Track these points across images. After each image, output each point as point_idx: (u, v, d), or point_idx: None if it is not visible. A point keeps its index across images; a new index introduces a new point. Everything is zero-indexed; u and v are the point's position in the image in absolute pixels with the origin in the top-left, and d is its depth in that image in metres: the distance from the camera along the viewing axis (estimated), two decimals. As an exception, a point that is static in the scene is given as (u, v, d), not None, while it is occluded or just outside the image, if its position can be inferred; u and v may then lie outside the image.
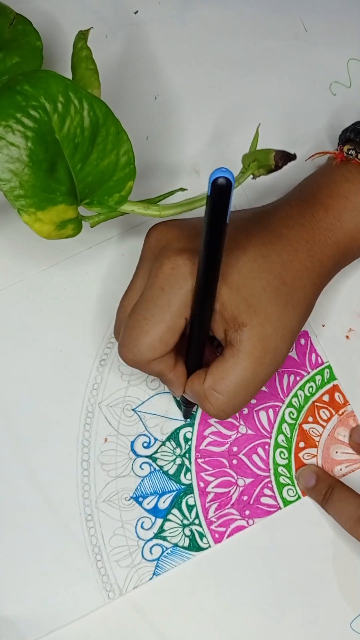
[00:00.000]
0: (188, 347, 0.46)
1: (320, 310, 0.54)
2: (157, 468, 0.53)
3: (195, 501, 0.52)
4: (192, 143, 0.57)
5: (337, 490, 0.51)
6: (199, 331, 0.45)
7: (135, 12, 0.60)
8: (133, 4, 0.60)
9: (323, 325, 0.55)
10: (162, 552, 0.52)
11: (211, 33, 0.59)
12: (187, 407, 0.52)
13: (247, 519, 0.51)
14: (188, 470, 0.53)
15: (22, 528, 0.52)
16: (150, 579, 0.51)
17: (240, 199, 0.56)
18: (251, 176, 0.47)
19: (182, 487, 0.53)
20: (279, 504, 0.52)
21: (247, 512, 0.52)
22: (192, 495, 0.52)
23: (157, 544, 0.52)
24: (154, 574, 0.51)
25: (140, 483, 0.53)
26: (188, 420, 0.53)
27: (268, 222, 0.48)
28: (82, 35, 0.47)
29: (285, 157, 0.45)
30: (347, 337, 0.55)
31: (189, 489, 0.52)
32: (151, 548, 0.52)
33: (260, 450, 0.53)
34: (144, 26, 0.59)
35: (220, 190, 0.34)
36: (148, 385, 0.54)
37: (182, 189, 0.51)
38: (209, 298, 0.43)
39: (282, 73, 0.59)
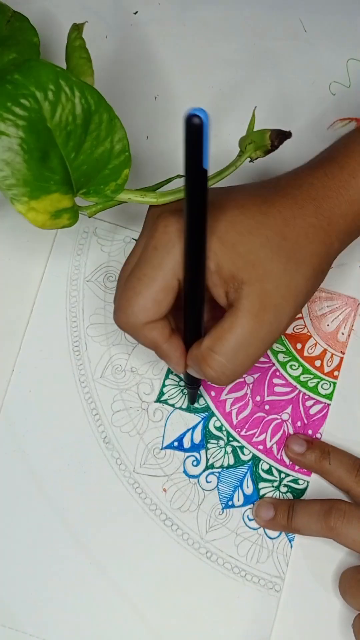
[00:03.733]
0: (184, 315, 0.44)
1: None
2: (219, 470, 0.55)
3: (268, 464, 0.55)
4: None
5: (297, 505, 0.52)
6: (192, 293, 0.43)
7: (135, 13, 0.60)
8: (133, 4, 0.60)
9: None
10: (218, 479, 0.55)
11: (211, 33, 0.60)
12: (190, 388, 0.52)
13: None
14: (242, 447, 0.55)
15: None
16: (222, 511, 0.54)
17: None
18: (249, 159, 0.47)
19: (249, 463, 0.55)
20: (292, 383, 0.56)
21: (267, 407, 0.56)
22: (261, 461, 0.55)
23: (210, 473, 0.55)
24: (220, 502, 0.55)
25: (218, 489, 0.55)
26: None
27: (274, 184, 0.46)
28: (76, 27, 0.47)
29: (281, 136, 0.46)
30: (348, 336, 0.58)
31: (255, 460, 0.55)
32: (206, 478, 0.55)
33: (276, 380, 0.56)
34: (143, 26, 0.59)
35: (193, 129, 0.33)
36: (153, 421, 0.55)
37: (179, 176, 0.50)
38: (199, 255, 0.40)
39: (281, 73, 0.59)
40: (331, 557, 0.54)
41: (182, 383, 0.55)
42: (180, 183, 0.47)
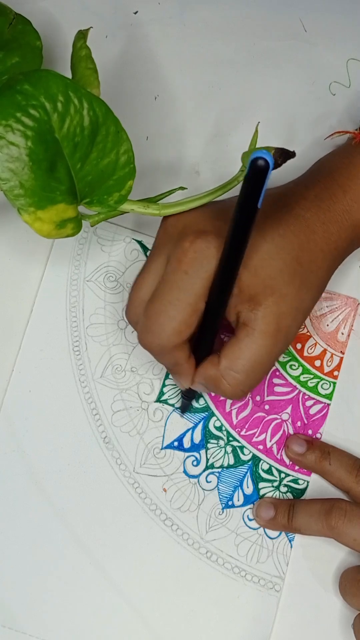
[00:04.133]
0: (200, 334, 0.47)
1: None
2: (219, 470, 0.55)
3: (268, 464, 0.55)
4: (192, 143, 0.58)
5: (297, 504, 0.53)
6: (215, 315, 0.45)
7: (135, 13, 0.59)
8: (133, 4, 0.59)
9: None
10: (218, 478, 0.55)
11: (211, 33, 0.59)
12: (186, 400, 0.54)
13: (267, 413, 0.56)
14: (242, 447, 0.55)
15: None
16: (222, 511, 0.54)
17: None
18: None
19: (249, 463, 0.55)
20: (292, 383, 0.56)
21: (267, 407, 0.56)
22: (261, 461, 0.55)
23: (210, 473, 0.55)
24: (220, 502, 0.54)
25: (219, 492, 0.55)
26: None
27: (285, 204, 0.48)
28: (82, 35, 0.47)
29: (284, 155, 0.46)
30: (348, 336, 0.58)
31: (255, 460, 0.55)
32: (206, 478, 0.54)
33: (276, 380, 0.56)
34: (143, 26, 0.59)
35: (258, 171, 0.35)
36: (153, 420, 0.55)
37: (182, 188, 0.51)
38: (230, 282, 0.43)
39: (281, 73, 0.59)
40: (331, 557, 0.54)
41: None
42: (181, 195, 0.49)
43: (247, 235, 0.39)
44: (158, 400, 0.55)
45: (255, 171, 0.35)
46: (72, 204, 0.45)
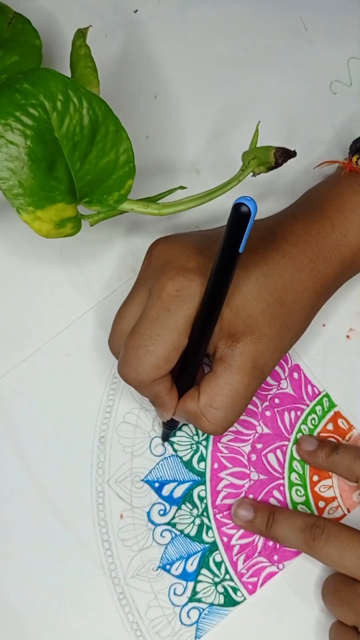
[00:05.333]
0: (182, 368, 0.46)
1: (321, 310, 0.54)
2: (178, 533, 0.52)
3: (222, 557, 0.52)
4: (192, 142, 0.57)
5: (278, 514, 0.51)
6: (196, 351, 0.45)
7: (135, 11, 0.59)
8: (133, 3, 0.59)
9: (323, 325, 0.55)
10: (200, 614, 0.51)
11: (211, 32, 0.59)
12: (168, 429, 0.52)
13: (276, 564, 0.52)
14: (209, 528, 0.52)
15: (57, 616, 0.51)
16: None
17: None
18: (251, 174, 0.47)
19: (206, 545, 0.52)
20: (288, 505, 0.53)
21: (276, 557, 0.52)
22: (217, 551, 0.52)
23: (193, 607, 0.51)
24: (196, 637, 0.51)
25: (165, 551, 0.52)
26: (199, 477, 0.53)
27: (271, 239, 0.47)
28: (81, 34, 0.47)
29: (285, 154, 0.45)
30: (348, 336, 0.55)
31: (213, 547, 0.52)
32: (188, 612, 0.51)
33: (276, 493, 0.53)
34: (143, 25, 0.59)
35: (239, 216, 0.35)
36: (152, 452, 0.53)
37: (181, 187, 0.50)
38: (212, 321, 0.43)
39: (282, 72, 0.59)
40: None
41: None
42: (181, 195, 0.49)
43: (230, 277, 0.39)
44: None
45: (237, 216, 0.35)
46: (71, 204, 0.45)
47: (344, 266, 0.49)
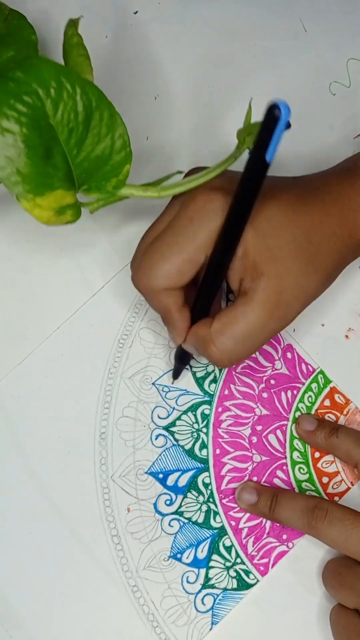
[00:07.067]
0: (199, 292, 0.46)
1: (320, 309, 0.55)
2: (186, 521, 0.52)
3: (231, 541, 0.52)
4: (192, 143, 0.58)
5: (281, 496, 0.51)
6: (215, 273, 0.44)
7: (135, 12, 0.60)
8: (132, 4, 0.60)
9: (322, 325, 0.55)
10: (215, 600, 0.51)
11: (211, 33, 0.60)
12: (179, 364, 0.52)
13: (286, 543, 0.52)
14: (216, 513, 0.52)
15: (73, 616, 0.51)
16: (211, 629, 0.51)
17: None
18: (247, 150, 0.46)
19: (215, 531, 0.52)
20: (292, 484, 0.54)
21: (285, 536, 0.52)
22: (226, 536, 0.52)
23: (207, 594, 0.51)
24: (212, 623, 0.51)
25: (174, 540, 0.52)
26: (202, 465, 0.53)
27: (306, 184, 0.47)
28: (72, 23, 0.47)
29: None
30: (347, 336, 0.55)
31: (222, 532, 0.52)
32: (203, 599, 0.51)
33: (279, 473, 0.53)
34: (143, 26, 0.59)
35: (270, 119, 0.34)
36: (154, 444, 0.53)
37: (179, 172, 0.49)
38: (234, 238, 0.42)
39: (281, 73, 0.59)
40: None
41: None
42: (179, 179, 0.47)
43: (257, 189, 0.38)
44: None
45: (268, 118, 0.33)
46: (70, 190, 0.45)
47: None
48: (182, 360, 0.51)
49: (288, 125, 0.44)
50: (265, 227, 0.44)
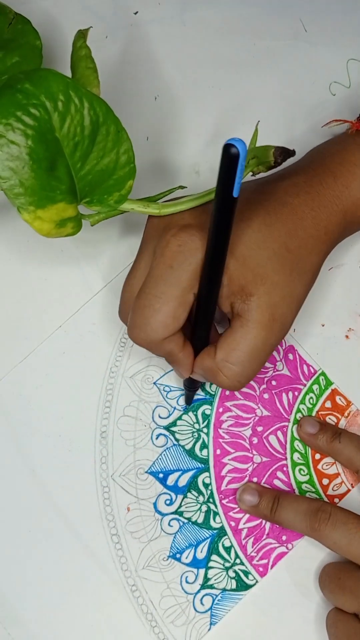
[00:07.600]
0: (194, 325, 0.46)
1: (320, 310, 0.55)
2: (186, 521, 0.52)
3: (231, 542, 0.52)
4: (192, 143, 0.58)
5: (283, 498, 0.51)
6: (206, 307, 0.45)
7: (135, 13, 0.60)
8: (133, 4, 0.60)
9: (322, 325, 0.55)
10: (213, 601, 0.51)
11: (211, 33, 0.60)
12: (190, 391, 0.52)
13: (285, 544, 0.52)
14: (216, 514, 0.52)
15: (72, 614, 0.51)
16: (209, 629, 0.51)
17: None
18: (251, 173, 0.47)
19: (215, 531, 0.52)
20: (292, 485, 0.54)
21: (284, 538, 0.52)
22: (226, 537, 0.52)
23: (206, 594, 0.51)
24: (211, 624, 0.51)
25: (174, 540, 0.52)
26: (203, 465, 0.53)
27: (272, 192, 0.47)
28: (82, 34, 0.47)
29: (284, 153, 0.46)
30: (347, 336, 0.55)
31: (221, 532, 0.52)
32: (201, 599, 0.51)
33: (279, 474, 0.53)
34: (143, 27, 0.60)
35: (229, 158, 0.34)
36: (154, 443, 0.53)
37: (181, 187, 0.50)
38: (218, 272, 0.43)
39: (281, 73, 0.59)
40: None
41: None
42: (180, 193, 0.48)
43: (229, 224, 0.39)
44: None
45: (228, 158, 0.34)
46: (72, 203, 0.45)
47: (346, 218, 0.49)
48: (191, 387, 0.51)
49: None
50: (243, 251, 0.44)
